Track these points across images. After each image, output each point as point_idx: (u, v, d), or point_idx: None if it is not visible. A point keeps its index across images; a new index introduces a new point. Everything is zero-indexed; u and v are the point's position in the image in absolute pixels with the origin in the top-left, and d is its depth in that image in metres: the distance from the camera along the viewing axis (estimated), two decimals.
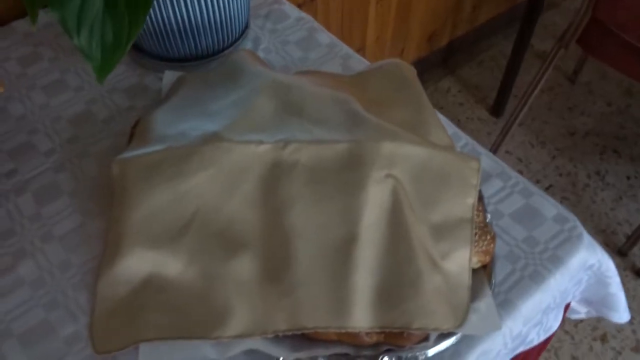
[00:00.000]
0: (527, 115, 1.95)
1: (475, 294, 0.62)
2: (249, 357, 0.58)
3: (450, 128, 0.81)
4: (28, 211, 0.71)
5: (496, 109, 1.96)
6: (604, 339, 1.47)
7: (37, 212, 0.71)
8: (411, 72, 0.80)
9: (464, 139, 0.80)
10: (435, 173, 0.64)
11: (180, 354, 0.56)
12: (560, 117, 1.96)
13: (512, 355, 0.68)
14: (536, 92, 1.59)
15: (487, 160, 0.78)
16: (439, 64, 2.09)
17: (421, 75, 2.07)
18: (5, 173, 0.75)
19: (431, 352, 0.58)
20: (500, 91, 1.92)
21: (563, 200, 1.75)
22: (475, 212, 0.65)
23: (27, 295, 0.64)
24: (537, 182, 1.79)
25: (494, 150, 1.79)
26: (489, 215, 0.69)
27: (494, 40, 2.20)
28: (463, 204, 0.63)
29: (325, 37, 0.95)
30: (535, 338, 0.72)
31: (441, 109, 1.98)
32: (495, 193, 0.74)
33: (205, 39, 0.83)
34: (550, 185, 1.78)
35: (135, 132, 0.71)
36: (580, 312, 0.87)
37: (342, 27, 1.61)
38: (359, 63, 0.90)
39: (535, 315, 0.66)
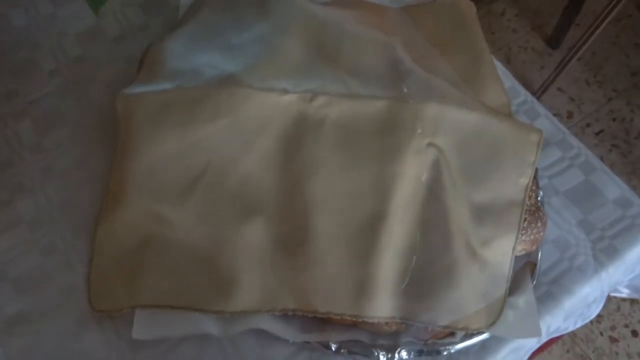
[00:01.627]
0: (588, 49, 1.76)
1: (514, 286, 0.55)
2: (253, 335, 0.53)
3: (508, 80, 0.70)
4: (27, 140, 0.65)
5: (554, 39, 1.78)
6: None
7: (38, 142, 0.64)
8: (471, 10, 0.68)
9: (522, 95, 0.69)
10: (486, 145, 0.54)
11: (179, 327, 0.51)
12: (624, 53, 1.77)
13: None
14: (605, 23, 1.42)
15: (547, 123, 0.67)
16: None
17: None
18: (4, 93, 0.67)
19: (457, 347, 0.52)
20: (561, 19, 1.72)
21: (613, 148, 1.61)
22: (528, 194, 0.56)
23: (24, 235, 0.59)
24: (588, 125, 1.65)
25: (546, 87, 1.64)
26: (541, 193, 0.59)
27: None
28: (515, 185, 0.54)
29: None
30: (571, 326, 0.65)
31: (493, 34, 1.80)
32: (552, 164, 0.64)
33: None
34: (601, 131, 1.64)
35: (145, 62, 0.62)
36: (622, 292, 0.79)
37: None
38: None
39: (578, 309, 0.59)
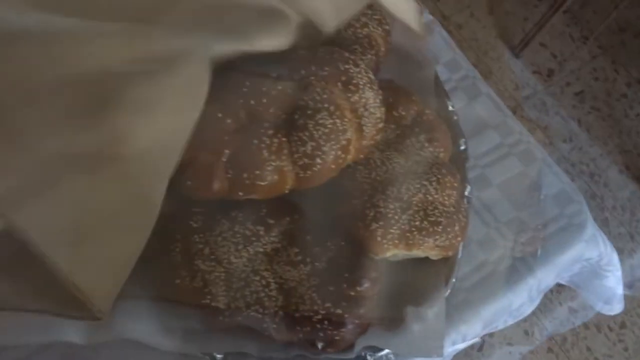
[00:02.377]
0: (576, 0, 1.64)
1: (425, 294, 0.49)
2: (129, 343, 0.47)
3: (450, 52, 0.62)
4: None
5: None
6: None
7: None
8: None
9: (463, 70, 0.61)
10: None
11: (35, 334, 0.45)
12: (615, 6, 1.66)
13: None
14: None
15: (488, 103, 0.59)
16: None
17: None
18: None
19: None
20: None
21: (592, 110, 1.53)
22: (445, 191, 0.49)
23: None
24: (567, 84, 1.56)
25: (527, 41, 1.53)
26: (468, 188, 0.53)
27: None
28: None
29: None
30: (500, 325, 0.60)
31: None
32: (488, 152, 0.57)
33: None
34: (582, 91, 1.55)
35: None
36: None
37: None
38: None
39: (501, 317, 0.54)
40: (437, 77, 0.57)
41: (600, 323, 1.28)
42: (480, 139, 0.57)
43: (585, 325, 1.28)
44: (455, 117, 0.56)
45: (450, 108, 0.56)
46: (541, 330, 1.28)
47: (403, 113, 0.52)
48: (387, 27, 0.57)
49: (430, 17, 0.63)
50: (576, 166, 1.46)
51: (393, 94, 0.52)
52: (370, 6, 0.56)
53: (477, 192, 0.55)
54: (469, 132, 0.56)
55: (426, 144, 0.51)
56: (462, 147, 0.55)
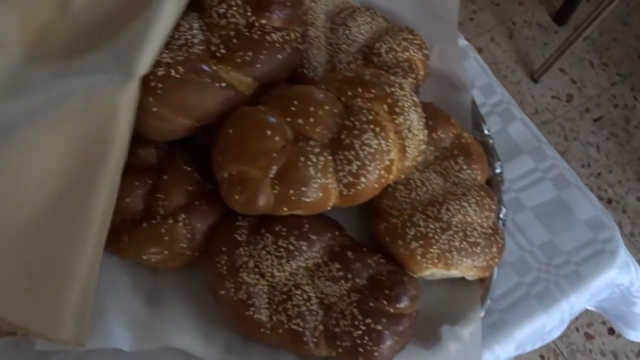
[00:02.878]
0: (595, 27, 1.66)
1: (461, 314, 0.50)
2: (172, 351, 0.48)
3: (485, 76, 0.63)
4: None
5: (561, 15, 1.68)
6: None
7: None
8: None
9: (498, 95, 0.63)
10: None
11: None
12: (634, 35, 1.67)
13: None
14: (616, 1, 1.32)
15: (522, 128, 0.61)
16: None
17: None
18: None
19: None
20: None
21: (611, 136, 1.54)
22: (483, 213, 0.50)
23: None
24: (587, 110, 1.57)
25: (547, 66, 1.55)
26: (504, 210, 0.54)
27: None
28: None
29: None
30: (529, 347, 0.61)
31: (497, 6, 1.70)
32: (522, 176, 0.58)
33: None
34: (601, 117, 1.56)
35: None
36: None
37: None
38: None
39: (533, 339, 0.54)
40: (473, 101, 0.59)
41: (616, 350, 1.28)
42: (514, 163, 0.58)
43: (602, 352, 1.28)
44: (491, 141, 0.57)
45: (486, 132, 0.58)
46: (557, 356, 1.28)
47: (442, 135, 0.54)
48: (426, 52, 0.58)
49: (466, 42, 0.64)
50: (594, 192, 1.46)
51: (432, 117, 0.53)
52: (411, 31, 0.58)
53: (512, 215, 0.56)
54: (504, 156, 0.57)
55: (464, 167, 0.52)
56: (498, 170, 0.56)
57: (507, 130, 0.60)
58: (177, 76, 0.47)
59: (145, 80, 0.47)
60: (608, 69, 1.63)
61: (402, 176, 0.51)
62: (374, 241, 0.52)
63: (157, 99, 0.47)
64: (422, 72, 0.58)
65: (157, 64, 0.48)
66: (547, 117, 1.56)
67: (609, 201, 1.47)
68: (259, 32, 0.51)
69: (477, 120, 0.58)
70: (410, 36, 0.58)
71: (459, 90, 0.59)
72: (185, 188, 0.50)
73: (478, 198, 0.50)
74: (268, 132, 0.47)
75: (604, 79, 1.62)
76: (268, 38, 0.51)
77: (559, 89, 1.60)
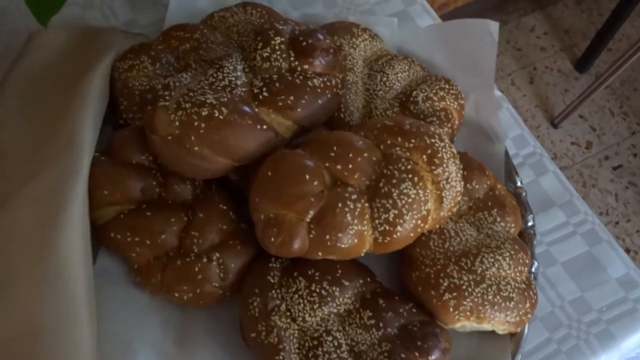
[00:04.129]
0: (617, 77, 1.67)
1: None
2: None
3: (517, 128, 0.64)
4: None
5: (582, 63, 1.69)
6: None
7: None
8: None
9: (531, 146, 0.63)
10: None
11: None
12: None
13: None
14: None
15: (554, 181, 0.61)
16: None
17: (503, 5, 1.79)
18: None
19: None
20: (593, 41, 1.63)
21: (630, 186, 1.53)
22: (517, 267, 0.50)
23: None
24: (606, 158, 1.57)
25: (568, 112, 1.56)
26: (535, 264, 0.53)
27: None
28: None
29: None
30: None
31: (519, 50, 1.72)
32: (553, 230, 0.58)
33: None
34: (620, 166, 1.56)
35: None
36: None
37: None
38: (423, 14, 0.70)
39: None
40: (506, 152, 0.59)
41: None
42: (545, 216, 0.58)
43: None
44: (523, 193, 0.57)
45: (519, 184, 0.58)
46: None
47: (476, 186, 0.54)
48: (462, 102, 0.59)
49: (499, 92, 0.65)
50: None
51: (467, 167, 0.54)
52: (447, 81, 0.59)
53: (543, 269, 0.56)
54: (535, 209, 0.57)
55: (498, 219, 0.52)
56: (530, 223, 0.56)
57: (538, 183, 0.60)
58: (221, 117, 0.48)
59: (189, 120, 0.48)
60: (628, 118, 1.64)
61: (437, 226, 0.51)
62: (405, 288, 0.52)
63: (199, 138, 0.48)
64: (457, 122, 0.58)
65: (200, 104, 0.49)
66: (565, 163, 1.56)
67: (627, 250, 1.45)
68: (301, 77, 0.52)
69: (509, 172, 0.58)
70: (447, 86, 0.58)
71: (492, 141, 0.59)
72: (220, 227, 0.51)
73: (512, 252, 0.50)
74: (307, 176, 0.48)
75: (623, 128, 1.62)
76: (310, 83, 0.52)
77: (579, 135, 1.60)
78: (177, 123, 0.48)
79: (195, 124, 0.48)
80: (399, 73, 0.59)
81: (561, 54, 1.73)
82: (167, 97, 0.50)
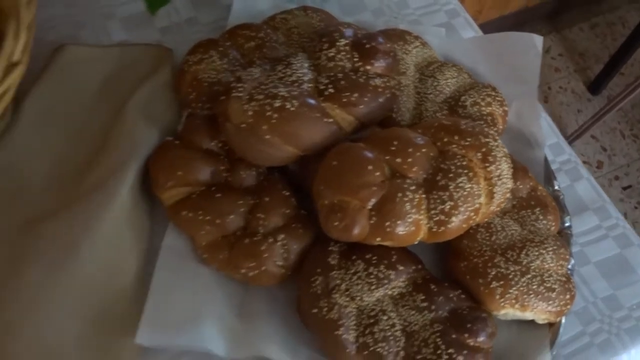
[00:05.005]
0: (629, 100, 1.72)
1: (530, 356, 0.53)
2: None
3: (554, 136, 0.68)
4: None
5: (596, 85, 1.74)
6: None
7: None
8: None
9: (567, 154, 0.67)
10: None
11: (185, 337, 0.50)
12: None
13: None
14: None
15: (588, 187, 0.65)
16: (545, 17, 1.84)
17: (521, 27, 1.84)
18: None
19: None
20: (607, 65, 1.69)
21: (638, 206, 1.58)
22: (559, 262, 0.53)
23: None
24: (616, 178, 1.62)
25: (580, 132, 1.61)
26: (572, 261, 0.57)
27: (617, 2, 1.92)
28: None
29: None
30: None
31: None
32: (587, 232, 0.62)
33: None
34: (629, 186, 1.61)
35: None
36: None
37: None
38: (466, 27, 0.75)
39: None
40: (545, 158, 0.63)
41: None
42: (580, 219, 0.62)
43: None
44: (561, 196, 0.61)
45: (557, 187, 0.62)
46: None
47: (520, 186, 0.58)
48: (506, 108, 0.63)
49: (538, 103, 0.69)
50: None
51: (513, 168, 0.58)
52: (493, 88, 0.63)
53: (577, 267, 0.59)
54: (570, 211, 0.61)
55: (540, 217, 0.56)
56: (567, 224, 0.60)
57: (574, 188, 0.64)
58: (292, 109, 0.52)
59: (261, 110, 0.52)
60: (638, 140, 1.69)
61: (485, 220, 0.54)
62: (449, 277, 0.56)
63: (271, 127, 0.52)
64: (501, 127, 0.62)
65: (273, 95, 0.53)
66: None
67: None
68: (363, 77, 0.56)
69: (548, 176, 0.62)
70: (493, 92, 0.63)
71: (532, 147, 0.63)
72: (283, 211, 0.54)
73: (555, 247, 0.54)
74: (369, 167, 0.51)
75: (634, 150, 1.67)
76: (371, 82, 0.56)
77: (590, 154, 1.65)
78: (250, 112, 0.52)
79: (268, 114, 0.52)
80: (449, 79, 0.63)
81: (575, 75, 1.78)
82: (241, 89, 0.54)
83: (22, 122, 0.59)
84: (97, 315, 0.51)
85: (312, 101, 0.54)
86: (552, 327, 0.54)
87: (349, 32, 0.59)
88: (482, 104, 0.61)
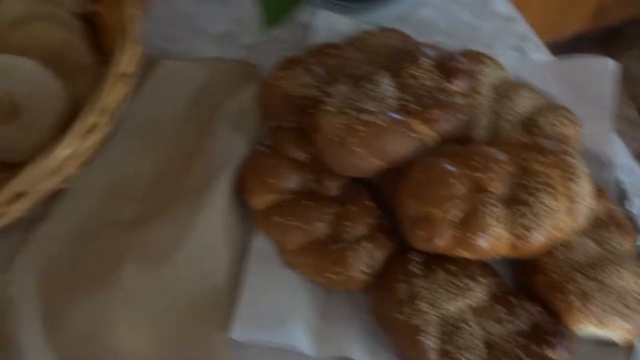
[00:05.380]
0: None
1: None
2: None
3: (624, 158, 0.69)
4: None
5: None
6: None
7: None
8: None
9: (636, 175, 0.68)
10: None
11: (276, 334, 0.53)
12: None
13: None
14: None
15: None
16: (598, 44, 1.84)
17: (572, 51, 1.84)
18: None
19: None
20: None
21: None
22: (637, 280, 0.54)
23: None
24: None
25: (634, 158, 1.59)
26: None
27: None
28: None
29: (503, 6, 0.81)
30: None
31: None
32: None
33: None
34: None
35: None
36: None
37: None
38: (536, 51, 0.77)
39: None
40: (617, 179, 0.64)
41: None
42: None
43: None
44: (634, 216, 0.62)
45: (629, 208, 0.63)
46: None
47: (596, 206, 0.59)
48: (579, 130, 0.65)
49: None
50: None
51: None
52: (568, 109, 0.65)
53: None
54: None
55: (617, 236, 0.58)
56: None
57: None
58: (380, 123, 0.55)
59: (351, 123, 0.55)
60: None
61: (566, 237, 0.56)
62: (523, 291, 0.57)
63: (360, 140, 0.55)
64: (576, 148, 0.64)
65: (362, 110, 0.56)
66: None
67: None
68: (446, 95, 0.59)
69: (620, 196, 0.63)
70: (567, 113, 0.64)
71: (605, 167, 0.65)
72: (368, 220, 0.57)
73: (633, 266, 0.55)
74: (453, 180, 0.54)
75: None
76: (453, 100, 0.59)
77: None
78: (340, 126, 0.56)
79: (357, 127, 0.55)
80: (524, 99, 0.65)
81: (629, 102, 1.77)
82: (331, 103, 0.57)
83: (123, 129, 0.63)
84: (192, 313, 0.54)
85: (398, 117, 0.57)
86: (628, 348, 0.55)
87: (430, 51, 0.62)
88: (557, 124, 0.63)
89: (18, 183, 0.48)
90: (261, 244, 0.58)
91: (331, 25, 0.74)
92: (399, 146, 0.56)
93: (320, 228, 0.56)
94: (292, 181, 0.58)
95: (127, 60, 0.56)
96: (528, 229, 0.53)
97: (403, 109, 0.58)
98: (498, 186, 0.54)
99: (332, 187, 0.59)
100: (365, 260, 0.55)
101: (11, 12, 0.62)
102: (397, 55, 0.64)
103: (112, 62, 0.57)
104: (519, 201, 0.53)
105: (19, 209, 0.52)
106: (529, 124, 0.64)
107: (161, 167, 0.62)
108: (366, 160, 0.56)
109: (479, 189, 0.54)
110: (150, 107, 0.66)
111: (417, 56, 0.61)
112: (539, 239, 0.53)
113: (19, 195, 0.50)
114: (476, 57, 0.68)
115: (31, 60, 0.60)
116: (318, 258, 0.56)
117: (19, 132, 0.58)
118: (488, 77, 0.67)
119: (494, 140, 0.62)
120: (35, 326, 0.53)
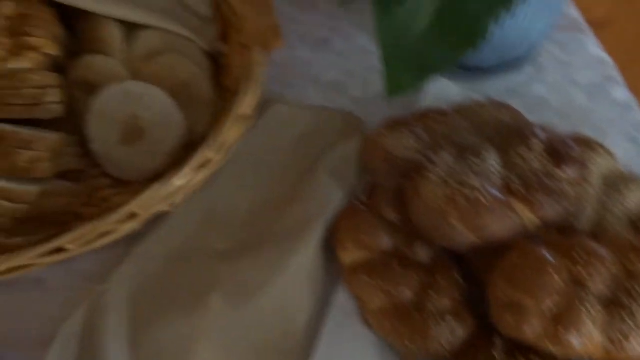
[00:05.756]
0: None
1: None
2: None
3: None
4: None
5: None
6: None
7: None
8: None
9: None
10: None
11: None
12: None
13: None
14: None
15: None
16: None
17: None
18: None
19: None
20: None
21: None
22: None
23: None
24: None
25: None
26: None
27: None
28: None
29: (622, 93, 0.79)
30: None
31: None
32: None
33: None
34: None
35: None
36: None
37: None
38: None
39: None
40: None
41: None
42: None
43: None
44: None
45: None
46: None
47: None
48: None
49: None
50: None
51: None
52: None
53: None
54: None
55: None
56: None
57: None
58: (482, 200, 0.55)
59: (453, 195, 0.55)
60: None
61: None
62: None
63: (460, 215, 0.55)
64: None
65: (465, 183, 0.56)
66: None
67: None
68: (553, 181, 0.58)
69: None
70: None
71: None
72: (454, 295, 0.56)
73: None
74: (550, 269, 0.52)
75: None
76: (561, 187, 0.57)
77: None
78: (441, 195, 0.56)
79: (458, 201, 0.55)
80: (634, 194, 0.63)
81: None
82: (434, 171, 0.58)
83: (229, 163, 0.67)
84: (267, 355, 0.55)
85: (502, 196, 0.56)
86: None
87: (542, 133, 0.61)
88: None
89: (135, 205, 0.52)
90: (344, 299, 0.59)
91: (441, 91, 0.75)
92: (499, 226, 0.55)
93: (406, 293, 0.56)
94: (384, 241, 0.59)
95: (248, 103, 0.59)
96: (626, 336, 0.50)
97: (507, 189, 0.57)
98: (598, 285, 0.52)
99: (422, 254, 0.59)
100: (446, 335, 0.54)
101: (148, 44, 0.68)
102: (507, 132, 0.63)
103: (235, 102, 0.60)
104: (619, 305, 0.51)
105: (129, 227, 0.55)
106: (638, 222, 0.61)
107: (258, 205, 0.65)
108: (463, 235, 0.56)
109: (578, 284, 0.52)
110: (256, 146, 0.69)
111: (529, 137, 0.60)
112: (637, 349, 0.50)
113: (131, 216, 0.54)
114: (588, 143, 0.67)
115: (159, 90, 0.65)
116: (399, 323, 0.55)
117: (138, 154, 0.63)
118: (599, 167, 0.65)
119: (598, 234, 0.60)
120: (121, 336, 0.56)
